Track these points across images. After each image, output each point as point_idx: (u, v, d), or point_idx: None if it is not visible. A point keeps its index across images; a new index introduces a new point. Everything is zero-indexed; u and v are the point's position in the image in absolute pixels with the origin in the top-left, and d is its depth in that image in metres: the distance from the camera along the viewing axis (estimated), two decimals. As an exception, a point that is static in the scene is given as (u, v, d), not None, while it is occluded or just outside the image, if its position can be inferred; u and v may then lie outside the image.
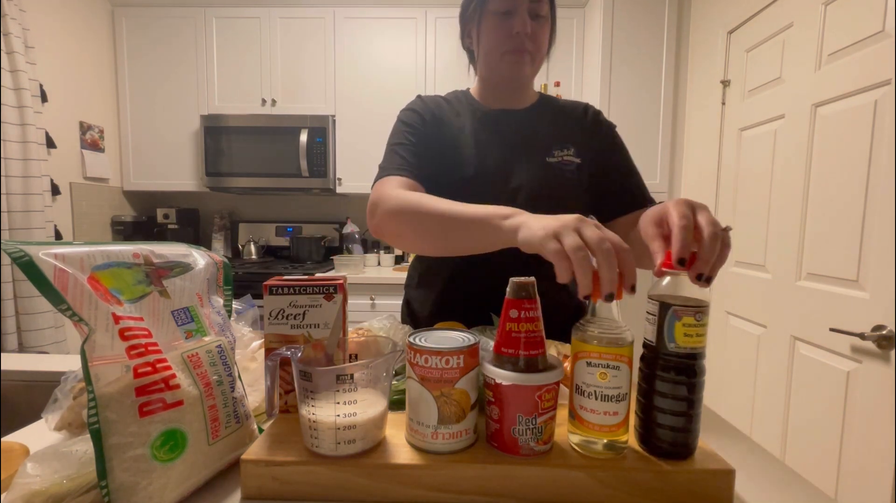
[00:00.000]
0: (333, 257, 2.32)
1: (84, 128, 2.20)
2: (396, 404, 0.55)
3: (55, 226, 2.00)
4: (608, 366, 0.43)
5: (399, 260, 2.54)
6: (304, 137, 2.23)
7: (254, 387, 0.59)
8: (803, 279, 1.31)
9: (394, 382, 0.59)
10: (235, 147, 2.29)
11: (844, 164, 1.16)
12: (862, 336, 1.07)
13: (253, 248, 2.54)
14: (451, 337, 0.48)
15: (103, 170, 2.31)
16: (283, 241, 2.62)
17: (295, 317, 0.53)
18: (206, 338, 0.47)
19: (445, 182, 0.81)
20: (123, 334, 0.39)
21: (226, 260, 0.55)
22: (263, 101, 2.34)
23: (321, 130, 2.25)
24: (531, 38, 0.77)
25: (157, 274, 0.46)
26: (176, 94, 2.36)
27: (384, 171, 0.78)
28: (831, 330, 1.15)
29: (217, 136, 2.28)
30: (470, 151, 0.82)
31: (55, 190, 2.01)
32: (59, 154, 2.07)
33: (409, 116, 0.84)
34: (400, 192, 0.70)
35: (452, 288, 0.87)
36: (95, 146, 2.27)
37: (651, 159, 2.08)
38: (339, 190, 2.36)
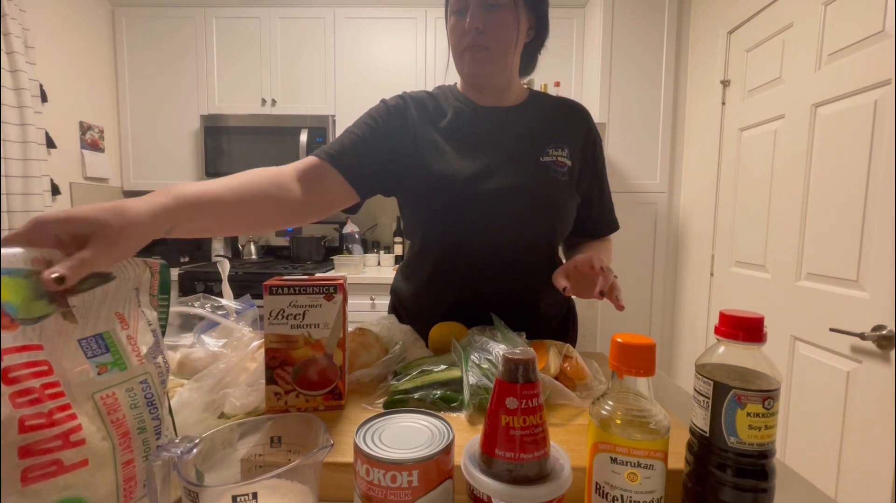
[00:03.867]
0: (333, 257, 2.32)
1: (84, 128, 2.20)
2: (399, 402, 0.55)
3: (55, 226, 2.00)
4: (639, 465, 0.33)
5: (399, 260, 2.53)
6: (304, 137, 2.23)
7: (254, 387, 0.59)
8: (803, 279, 1.30)
9: (393, 382, 0.59)
10: (235, 147, 2.29)
11: (844, 164, 1.16)
12: (862, 336, 1.06)
13: (253, 247, 2.54)
14: (412, 434, 0.35)
15: (103, 170, 2.31)
16: (283, 241, 2.62)
17: (295, 318, 0.53)
18: (127, 372, 0.37)
19: (416, 183, 0.78)
20: (7, 375, 0.30)
21: (162, 262, 0.44)
22: (263, 101, 2.34)
23: (321, 130, 2.25)
24: (486, 32, 0.72)
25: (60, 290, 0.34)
26: (176, 94, 2.36)
27: (317, 152, 0.76)
28: (831, 330, 1.15)
29: (217, 135, 2.28)
30: (446, 149, 0.78)
31: (55, 190, 2.01)
32: (59, 154, 2.07)
33: (376, 109, 0.81)
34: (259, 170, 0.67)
35: (432, 289, 0.84)
36: (95, 146, 2.27)
37: (651, 159, 2.07)
38: (339, 190, 2.35)
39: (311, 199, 0.71)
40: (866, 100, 1.10)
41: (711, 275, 1.80)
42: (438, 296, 0.83)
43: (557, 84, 2.18)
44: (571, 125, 0.83)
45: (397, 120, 0.79)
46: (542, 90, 2.14)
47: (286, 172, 0.70)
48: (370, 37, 2.30)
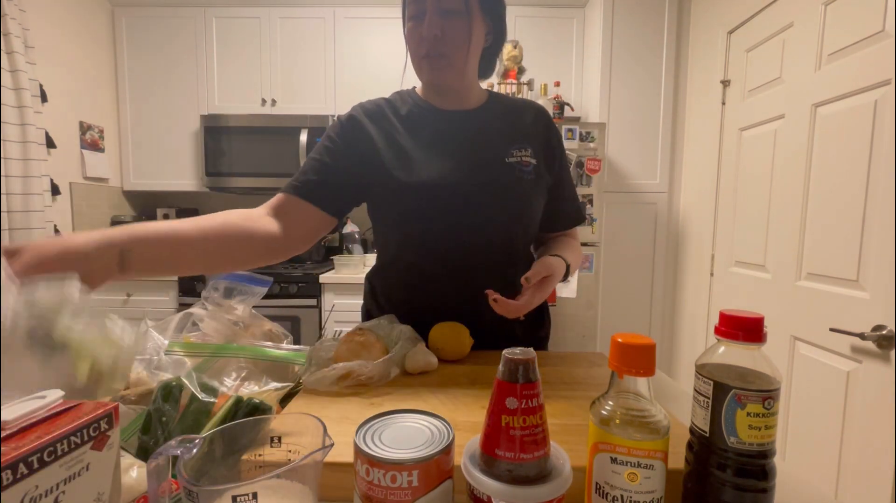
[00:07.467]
0: (333, 257, 2.32)
1: (84, 128, 2.20)
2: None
3: (55, 226, 2.00)
4: (639, 465, 0.33)
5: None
6: (303, 137, 2.23)
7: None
8: (803, 279, 1.30)
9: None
10: (235, 147, 2.29)
11: (844, 164, 1.16)
12: (862, 336, 1.06)
13: (253, 247, 2.53)
14: (412, 434, 0.35)
15: (103, 170, 2.31)
16: (283, 241, 2.62)
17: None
18: None
19: (381, 191, 0.78)
20: None
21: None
22: (263, 101, 2.34)
23: (321, 130, 2.25)
24: (443, 39, 0.71)
25: None
26: (176, 94, 2.36)
27: (284, 187, 0.79)
28: (831, 330, 1.15)
29: (217, 135, 2.28)
30: (409, 155, 0.78)
31: (55, 190, 2.01)
32: (59, 154, 2.07)
33: (332, 127, 0.81)
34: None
35: (400, 298, 0.84)
36: (95, 146, 2.27)
37: (651, 159, 2.07)
38: (339, 190, 2.35)
39: (288, 233, 0.75)
40: (866, 100, 1.10)
41: (711, 275, 1.80)
42: (416, 302, 0.82)
43: (557, 84, 2.18)
44: (531, 124, 0.84)
45: (354, 132, 0.79)
46: (542, 90, 2.15)
47: (257, 211, 0.75)
48: (370, 37, 2.30)
